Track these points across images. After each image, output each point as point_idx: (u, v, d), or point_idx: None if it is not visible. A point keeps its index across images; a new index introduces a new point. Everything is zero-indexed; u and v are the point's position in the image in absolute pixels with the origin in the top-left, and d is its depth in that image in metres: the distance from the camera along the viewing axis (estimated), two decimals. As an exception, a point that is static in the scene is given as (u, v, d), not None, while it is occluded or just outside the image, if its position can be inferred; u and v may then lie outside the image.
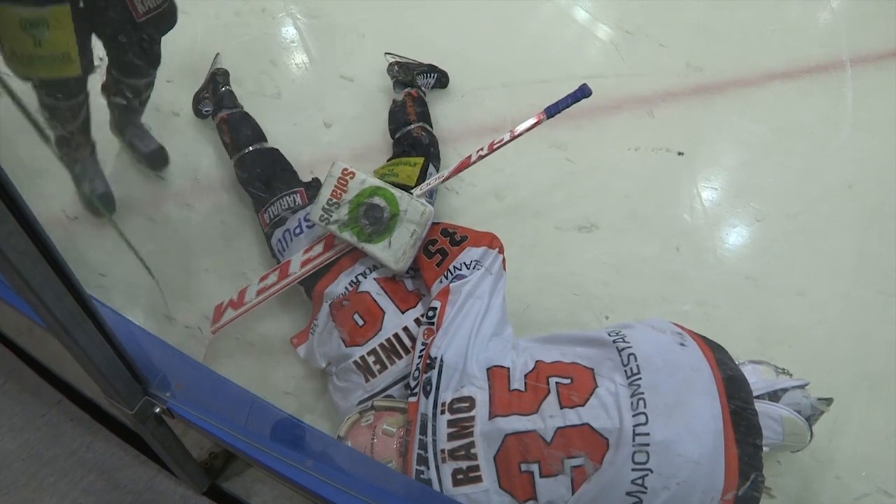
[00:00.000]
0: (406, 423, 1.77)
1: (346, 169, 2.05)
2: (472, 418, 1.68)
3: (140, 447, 2.04)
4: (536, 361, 1.76)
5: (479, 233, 2.00)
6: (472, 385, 1.73)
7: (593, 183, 2.54)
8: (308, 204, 2.22)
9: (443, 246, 1.98)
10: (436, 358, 1.78)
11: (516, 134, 2.07)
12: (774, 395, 1.81)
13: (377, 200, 2.00)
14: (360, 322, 1.95)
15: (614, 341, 1.74)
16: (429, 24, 2.94)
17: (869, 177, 2.57)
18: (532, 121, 2.06)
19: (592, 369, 1.71)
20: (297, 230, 2.19)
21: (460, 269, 1.92)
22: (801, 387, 1.83)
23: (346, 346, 1.93)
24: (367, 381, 1.89)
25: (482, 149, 2.09)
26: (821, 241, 2.43)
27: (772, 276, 2.36)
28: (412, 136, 2.39)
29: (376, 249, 1.99)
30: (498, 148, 2.08)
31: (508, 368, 1.75)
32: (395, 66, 2.66)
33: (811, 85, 2.82)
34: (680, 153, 2.57)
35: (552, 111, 2.05)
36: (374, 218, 2.00)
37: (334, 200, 2.04)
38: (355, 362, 1.90)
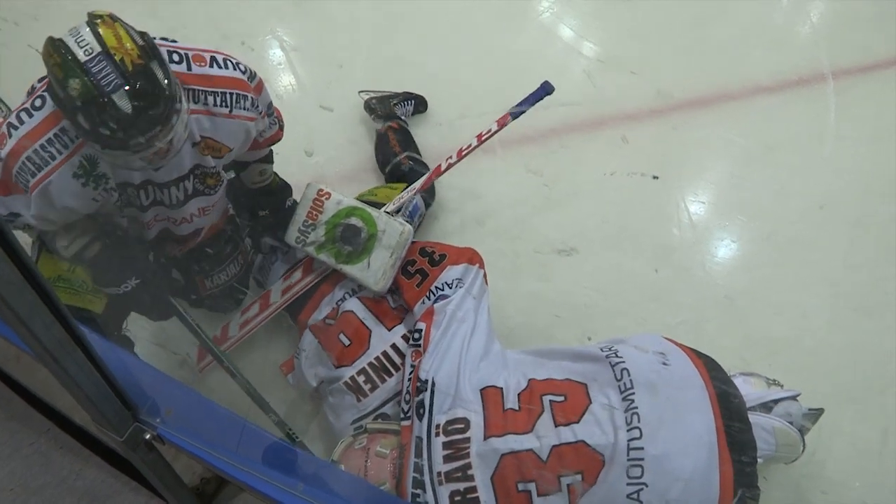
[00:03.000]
0: (399, 446, 1.76)
1: (321, 190, 2.04)
2: (468, 440, 1.68)
3: (131, 474, 2.02)
4: (529, 380, 1.76)
5: (458, 249, 2.00)
6: (465, 407, 1.73)
7: (571, 207, 2.56)
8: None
9: (422, 266, 1.98)
10: (427, 380, 1.77)
11: (483, 138, 2.07)
12: (766, 407, 1.81)
13: (354, 221, 1.99)
14: (347, 342, 1.95)
15: (607, 356, 1.74)
16: (408, 50, 2.94)
17: (852, 188, 2.60)
18: (497, 125, 2.06)
19: (585, 384, 1.71)
20: (274, 258, 2.20)
21: (442, 289, 1.92)
22: (793, 397, 1.84)
23: (336, 368, 1.93)
24: (358, 400, 1.89)
25: (451, 157, 2.10)
26: (808, 254, 2.46)
27: (758, 290, 2.38)
28: (400, 167, 2.41)
29: (355, 270, 1.98)
30: (467, 154, 2.09)
31: (502, 389, 1.75)
32: (372, 101, 2.66)
33: (794, 98, 2.85)
34: (655, 177, 2.60)
35: (517, 112, 2.06)
36: (351, 238, 1.99)
37: (310, 222, 2.03)
38: (346, 383, 1.90)
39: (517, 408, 1.71)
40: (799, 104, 2.84)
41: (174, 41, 1.67)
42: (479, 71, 2.89)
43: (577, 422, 1.64)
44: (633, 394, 1.63)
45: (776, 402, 1.82)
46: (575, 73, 2.94)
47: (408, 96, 2.70)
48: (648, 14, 3.08)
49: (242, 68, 1.74)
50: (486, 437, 1.67)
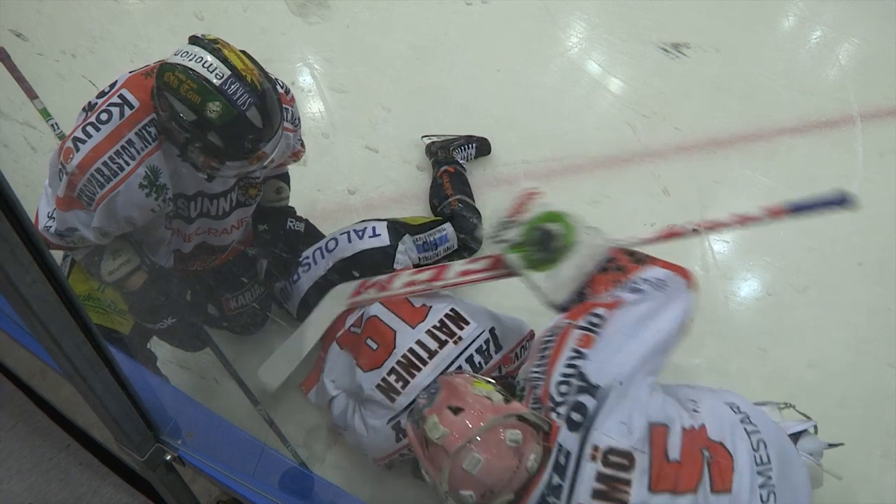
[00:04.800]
0: (532, 442, 1.45)
1: (531, 190, 1.95)
2: (629, 483, 1.43)
3: (147, 493, 2.03)
4: (683, 428, 1.53)
5: (671, 262, 1.76)
6: (633, 439, 1.46)
7: None
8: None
9: (622, 263, 1.76)
10: (596, 385, 1.48)
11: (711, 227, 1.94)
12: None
13: (554, 227, 1.86)
14: (374, 346, 1.95)
15: (741, 421, 1.60)
16: (447, 87, 2.97)
17: (880, 231, 2.57)
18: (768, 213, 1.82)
19: (723, 444, 1.54)
20: (295, 276, 2.23)
21: (638, 284, 1.66)
22: (813, 428, 1.81)
23: (365, 372, 1.93)
24: (392, 401, 1.89)
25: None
26: (833, 297, 2.44)
27: (782, 332, 2.37)
28: (450, 208, 2.44)
29: (539, 279, 1.85)
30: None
31: (668, 427, 1.50)
32: (434, 146, 2.68)
33: (822, 140, 2.84)
34: (695, 230, 2.59)
35: (798, 208, 1.81)
36: (546, 244, 1.86)
37: (511, 219, 1.92)
38: (378, 385, 1.90)
39: (679, 459, 1.47)
40: (826, 145, 2.83)
41: None
42: (507, 106, 2.92)
43: (730, 491, 1.47)
44: (771, 470, 1.52)
45: (798, 435, 1.76)
46: (601, 110, 2.96)
47: (469, 140, 2.70)
48: (676, 54, 3.10)
49: (281, 83, 1.81)
50: (651, 489, 1.43)
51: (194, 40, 1.55)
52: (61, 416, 2.19)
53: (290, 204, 2.19)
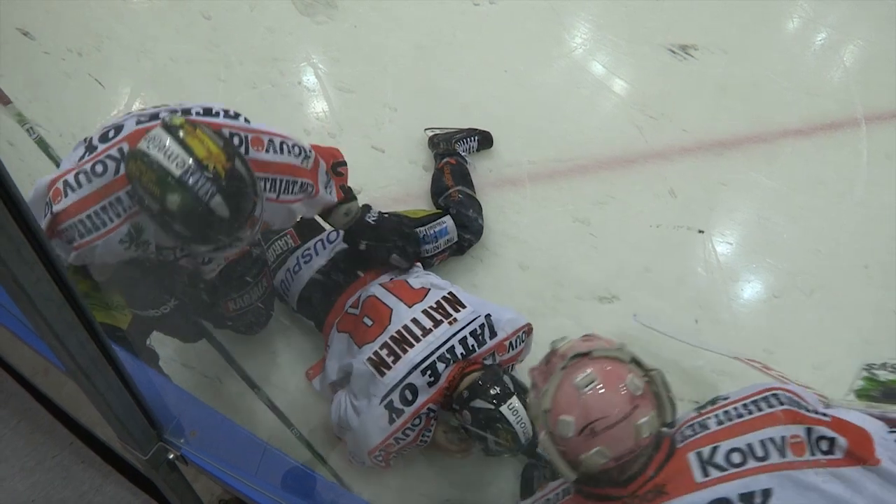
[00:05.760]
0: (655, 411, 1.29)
1: None
2: None
3: (150, 492, 2.03)
4: None
5: None
6: None
7: (615, 256, 2.56)
8: (300, 244, 2.26)
9: None
10: None
11: None
12: None
13: None
14: (370, 323, 1.98)
15: None
16: (447, 86, 2.96)
17: (883, 234, 2.57)
18: None
19: None
20: (297, 267, 2.24)
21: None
22: None
23: (359, 347, 1.95)
24: (382, 374, 1.89)
25: None
26: (836, 299, 2.43)
27: (785, 335, 2.37)
28: (450, 200, 2.46)
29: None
30: None
31: None
32: (436, 138, 2.71)
33: (826, 142, 2.83)
34: (700, 231, 2.60)
35: None
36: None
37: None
38: (369, 359, 1.91)
39: None
40: (830, 147, 2.82)
41: (237, 115, 1.70)
42: (511, 107, 2.91)
43: None
44: None
45: None
46: (606, 111, 2.96)
47: (472, 133, 2.72)
48: (683, 55, 3.09)
49: (297, 151, 1.77)
50: None
51: (163, 124, 1.50)
52: (64, 414, 2.20)
53: None
